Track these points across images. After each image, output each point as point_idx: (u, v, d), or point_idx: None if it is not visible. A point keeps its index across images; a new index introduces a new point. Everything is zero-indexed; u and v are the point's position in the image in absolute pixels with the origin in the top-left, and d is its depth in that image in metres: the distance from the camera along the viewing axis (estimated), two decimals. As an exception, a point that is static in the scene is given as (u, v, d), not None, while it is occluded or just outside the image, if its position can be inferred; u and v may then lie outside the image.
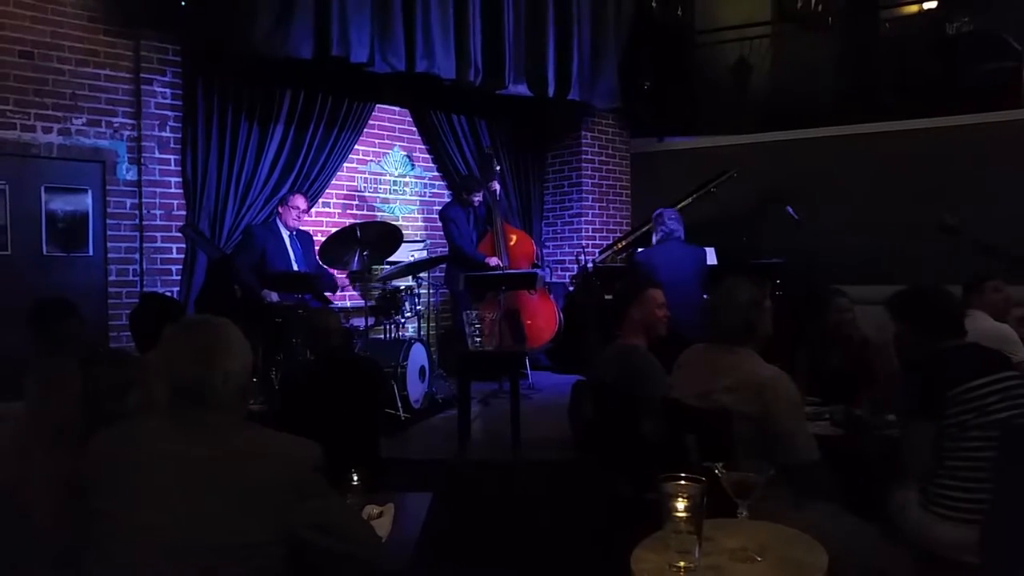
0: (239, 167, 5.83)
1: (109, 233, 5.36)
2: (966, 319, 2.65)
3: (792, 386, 2.46)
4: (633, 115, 8.02)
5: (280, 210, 5.61)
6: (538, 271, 6.16)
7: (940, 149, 6.62)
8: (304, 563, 1.65)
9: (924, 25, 7.55)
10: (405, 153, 7.28)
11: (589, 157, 7.94)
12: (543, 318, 6.32)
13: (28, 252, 5.06)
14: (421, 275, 6.14)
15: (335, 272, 5.77)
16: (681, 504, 1.65)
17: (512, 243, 6.44)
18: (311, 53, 5.28)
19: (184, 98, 5.60)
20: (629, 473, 2.90)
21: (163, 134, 5.54)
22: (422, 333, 6.59)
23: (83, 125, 5.22)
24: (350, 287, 6.35)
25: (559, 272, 7.89)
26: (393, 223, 6.19)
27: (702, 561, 1.67)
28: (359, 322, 5.82)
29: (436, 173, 7.50)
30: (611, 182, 8.13)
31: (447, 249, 6.41)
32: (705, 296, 4.73)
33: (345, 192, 6.84)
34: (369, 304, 5.80)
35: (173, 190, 5.61)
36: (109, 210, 5.36)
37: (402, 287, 5.91)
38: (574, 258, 7.15)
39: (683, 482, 1.68)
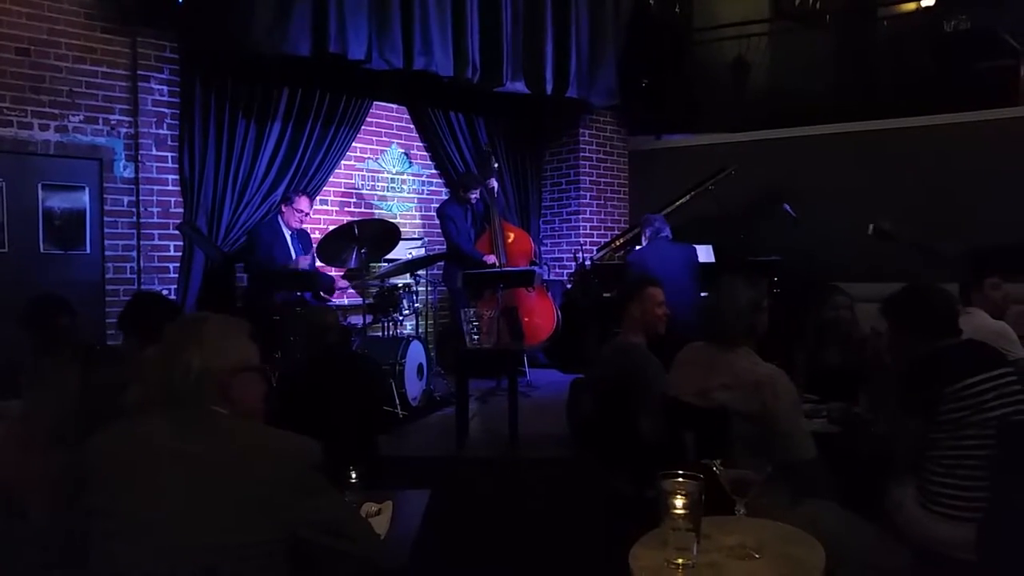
0: (236, 164, 5.82)
1: (106, 231, 5.36)
2: (964, 316, 2.65)
3: (790, 384, 2.47)
4: (631, 113, 8.02)
5: (284, 209, 5.59)
6: (536, 269, 6.17)
7: (937, 146, 6.63)
8: (303, 560, 1.65)
9: (922, 23, 7.57)
10: (403, 150, 7.27)
11: (587, 155, 7.93)
12: (541, 316, 6.31)
13: (25, 250, 5.05)
14: (419, 273, 6.13)
15: (332, 271, 5.77)
16: (679, 501, 1.66)
17: (510, 241, 6.43)
18: (308, 50, 5.27)
19: (181, 95, 5.59)
20: (627, 470, 2.90)
21: (160, 131, 5.53)
22: (420, 331, 6.60)
23: (80, 122, 5.21)
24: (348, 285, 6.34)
25: (557, 270, 7.90)
26: (391, 221, 6.19)
27: (700, 558, 1.68)
28: (357, 320, 5.81)
29: (434, 170, 7.50)
30: (609, 180, 8.13)
31: (445, 247, 6.40)
32: (703, 293, 4.74)
33: (343, 190, 6.83)
34: (367, 302, 5.80)
35: (170, 187, 5.60)
36: (106, 207, 5.35)
37: (400, 285, 5.91)
38: (572, 256, 7.16)
39: (681, 479, 1.68)
